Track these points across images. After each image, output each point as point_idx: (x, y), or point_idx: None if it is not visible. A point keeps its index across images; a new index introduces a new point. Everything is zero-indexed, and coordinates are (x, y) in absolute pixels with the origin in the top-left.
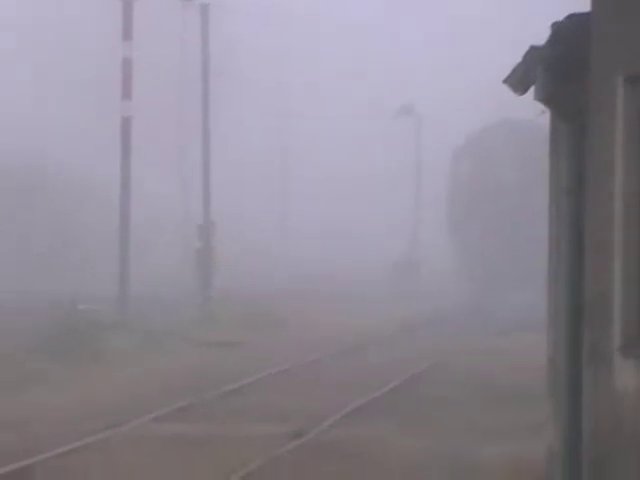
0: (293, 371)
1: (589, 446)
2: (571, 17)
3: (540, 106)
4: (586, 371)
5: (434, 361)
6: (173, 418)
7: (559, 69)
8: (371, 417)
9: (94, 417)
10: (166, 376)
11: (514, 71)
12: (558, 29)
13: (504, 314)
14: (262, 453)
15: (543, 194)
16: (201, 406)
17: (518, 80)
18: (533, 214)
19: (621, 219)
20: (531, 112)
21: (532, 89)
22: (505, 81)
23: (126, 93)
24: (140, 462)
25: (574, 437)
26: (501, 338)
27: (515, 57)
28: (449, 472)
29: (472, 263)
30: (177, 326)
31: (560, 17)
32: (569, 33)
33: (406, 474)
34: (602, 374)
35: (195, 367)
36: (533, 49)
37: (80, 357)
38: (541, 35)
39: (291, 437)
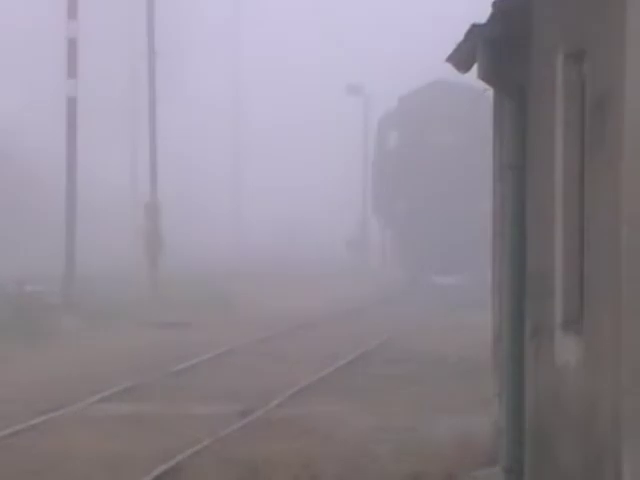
0: (242, 350)
1: (531, 421)
2: None
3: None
4: (529, 347)
5: (384, 338)
6: (122, 398)
7: (501, 47)
8: (320, 395)
9: (42, 397)
10: (114, 356)
11: (457, 49)
12: (499, 7)
13: (437, 296)
14: (210, 432)
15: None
16: (150, 386)
17: (461, 58)
18: (470, 183)
19: (561, 195)
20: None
21: (475, 67)
22: (448, 59)
23: (71, 72)
24: (88, 442)
25: (518, 412)
26: (442, 316)
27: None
28: (401, 446)
29: (401, 244)
30: (125, 306)
31: None
32: (510, 11)
33: (358, 449)
34: (544, 350)
35: (143, 347)
36: (475, 27)
37: (28, 337)
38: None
39: (240, 415)
